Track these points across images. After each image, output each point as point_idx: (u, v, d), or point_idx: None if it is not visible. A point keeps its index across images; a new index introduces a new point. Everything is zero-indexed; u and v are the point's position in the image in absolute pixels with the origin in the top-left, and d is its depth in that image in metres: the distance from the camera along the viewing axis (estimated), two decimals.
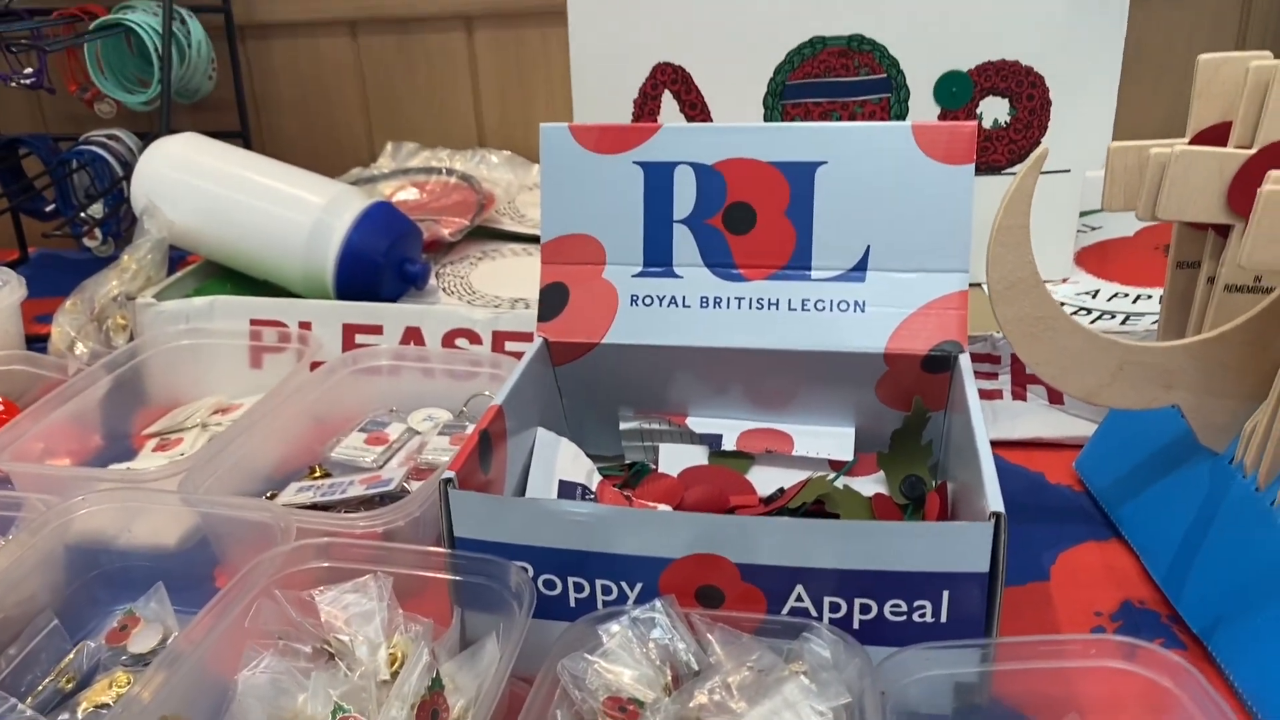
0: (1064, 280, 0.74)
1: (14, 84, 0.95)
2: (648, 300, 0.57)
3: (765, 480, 0.57)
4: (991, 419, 0.64)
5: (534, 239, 0.85)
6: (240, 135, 1.01)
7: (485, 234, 0.86)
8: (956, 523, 0.45)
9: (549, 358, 0.58)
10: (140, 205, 0.75)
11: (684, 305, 0.57)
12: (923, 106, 0.70)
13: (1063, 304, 0.71)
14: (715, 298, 0.56)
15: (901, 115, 0.70)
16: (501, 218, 0.88)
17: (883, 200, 0.54)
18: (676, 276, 0.57)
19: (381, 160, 0.97)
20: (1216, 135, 0.50)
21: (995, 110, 0.70)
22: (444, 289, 0.76)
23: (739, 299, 0.56)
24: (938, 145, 0.53)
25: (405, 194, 0.90)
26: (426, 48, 1.01)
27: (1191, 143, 0.51)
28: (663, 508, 0.53)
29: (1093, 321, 0.68)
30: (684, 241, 0.57)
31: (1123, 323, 0.67)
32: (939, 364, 0.54)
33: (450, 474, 0.44)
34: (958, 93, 0.70)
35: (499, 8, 0.98)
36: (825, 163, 0.55)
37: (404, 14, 0.99)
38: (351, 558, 0.45)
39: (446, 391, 0.66)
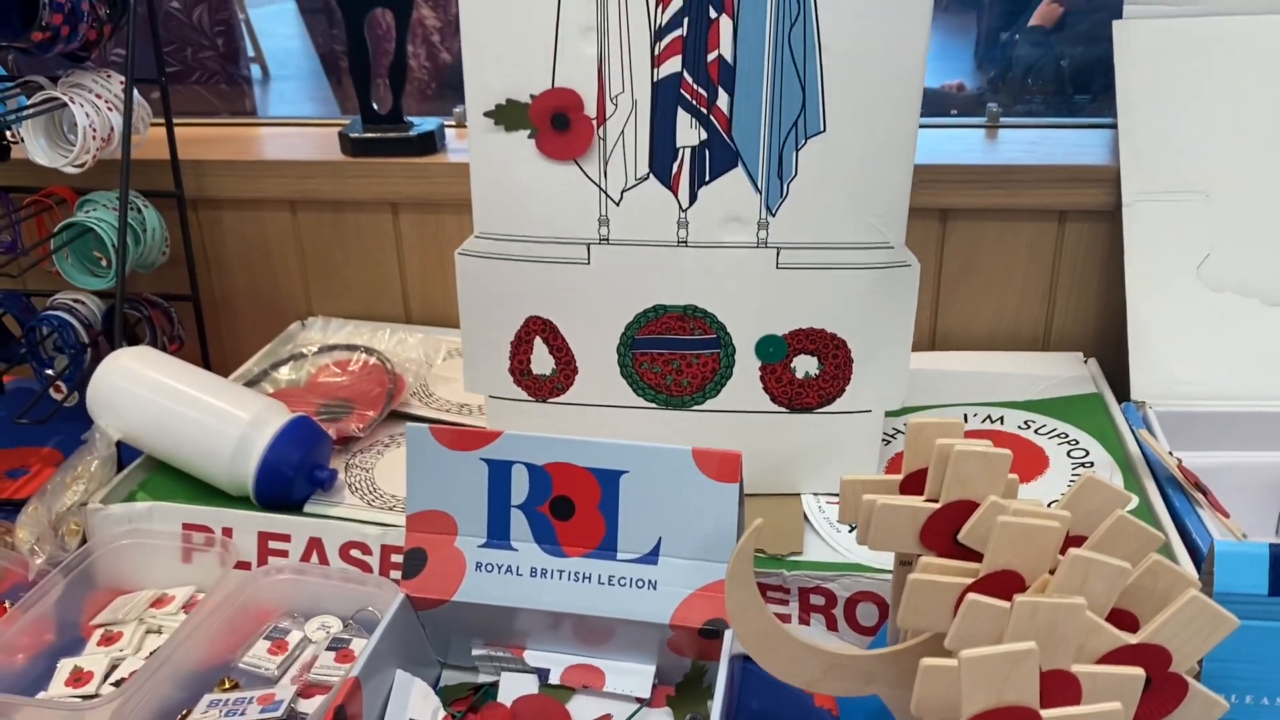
0: None
1: None
2: (490, 567, 0.71)
3: (583, 709, 0.72)
4: None
5: (440, 422, 0.98)
6: (191, 298, 1.14)
7: (396, 416, 1.00)
8: None
9: (412, 607, 0.72)
10: (94, 412, 0.89)
11: (518, 573, 0.71)
12: (747, 361, 0.84)
13: None
14: (543, 569, 0.71)
15: (730, 367, 0.85)
16: (411, 399, 1.02)
17: (671, 504, 0.69)
18: (513, 550, 0.71)
19: (312, 334, 1.11)
20: (923, 479, 0.65)
21: (806, 365, 0.84)
22: (350, 485, 0.90)
23: (561, 571, 0.71)
24: (711, 466, 0.68)
25: (328, 377, 1.03)
26: (358, 225, 1.15)
27: (904, 483, 0.65)
28: None
29: None
30: (519, 523, 0.71)
31: None
32: (712, 634, 0.68)
33: None
34: (774, 351, 0.84)
35: (420, 198, 1.11)
36: (628, 471, 0.69)
37: (337, 197, 1.13)
38: None
39: (343, 596, 0.81)
